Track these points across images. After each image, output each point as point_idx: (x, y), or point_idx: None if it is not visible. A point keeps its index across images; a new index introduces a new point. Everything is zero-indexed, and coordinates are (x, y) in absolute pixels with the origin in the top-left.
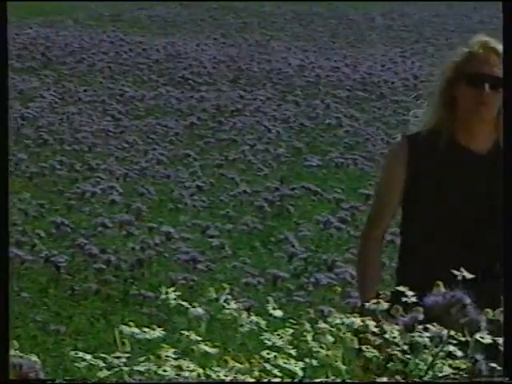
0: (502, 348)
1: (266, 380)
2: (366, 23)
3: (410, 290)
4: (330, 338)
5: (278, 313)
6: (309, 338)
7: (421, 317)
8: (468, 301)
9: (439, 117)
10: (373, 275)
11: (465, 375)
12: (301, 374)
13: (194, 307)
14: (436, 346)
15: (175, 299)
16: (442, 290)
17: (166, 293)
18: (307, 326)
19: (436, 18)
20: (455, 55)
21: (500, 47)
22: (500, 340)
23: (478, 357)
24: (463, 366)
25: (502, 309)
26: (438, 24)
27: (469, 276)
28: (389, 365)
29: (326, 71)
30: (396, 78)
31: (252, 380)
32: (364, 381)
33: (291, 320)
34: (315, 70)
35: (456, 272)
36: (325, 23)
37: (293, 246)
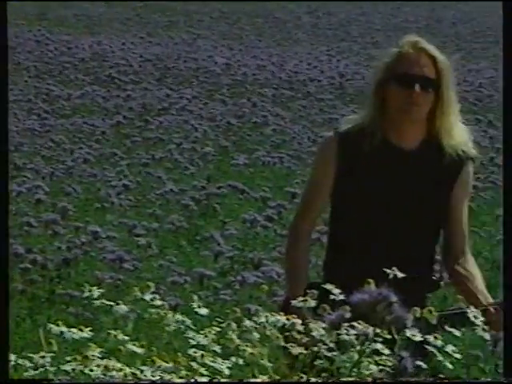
0: (428, 346)
1: (192, 380)
2: (292, 22)
3: (337, 287)
4: (256, 336)
5: (203, 311)
6: (235, 336)
7: (347, 315)
8: (394, 298)
9: (370, 116)
10: (301, 270)
11: (391, 372)
12: (227, 372)
13: (118, 305)
14: (362, 344)
15: (99, 298)
16: (370, 287)
17: (90, 291)
18: (233, 324)
19: (362, 17)
20: (385, 55)
21: (430, 47)
22: (431, 339)
23: (404, 354)
24: (389, 364)
25: (431, 308)
26: (363, 23)
27: (397, 274)
28: (315, 362)
29: (253, 70)
30: (322, 76)
31: (179, 380)
32: (363, 381)
33: (218, 319)
34: (242, 68)
35: (384, 270)
36: (251, 22)
37: (219, 245)
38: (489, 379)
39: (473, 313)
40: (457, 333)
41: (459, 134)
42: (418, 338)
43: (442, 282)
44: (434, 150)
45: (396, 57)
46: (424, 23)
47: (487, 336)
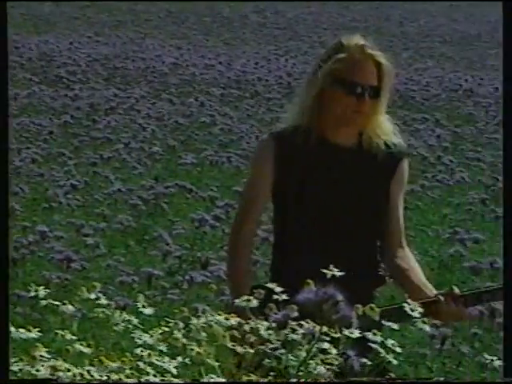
0: (373, 344)
1: (143, 380)
2: (239, 21)
3: (284, 286)
4: (203, 336)
5: (148, 311)
6: (181, 336)
7: (294, 314)
8: (340, 297)
9: (307, 115)
10: (244, 271)
11: (337, 370)
12: (175, 372)
13: (65, 305)
14: (309, 343)
15: (45, 298)
16: (312, 288)
17: (36, 291)
18: (180, 324)
19: (309, 16)
20: (332, 60)
21: (376, 53)
22: (370, 335)
23: (350, 353)
24: (336, 362)
25: (373, 305)
26: (311, 22)
27: (341, 273)
28: (263, 362)
29: (201, 69)
30: (270, 75)
31: (131, 380)
32: (364, 381)
33: (166, 318)
34: (189, 68)
35: (329, 269)
36: (199, 21)
37: (167, 245)
38: (488, 379)
39: (410, 306)
40: (395, 326)
41: (389, 131)
42: (356, 334)
43: (387, 277)
44: (369, 148)
45: (343, 62)
46: (371, 22)
47: (427, 328)
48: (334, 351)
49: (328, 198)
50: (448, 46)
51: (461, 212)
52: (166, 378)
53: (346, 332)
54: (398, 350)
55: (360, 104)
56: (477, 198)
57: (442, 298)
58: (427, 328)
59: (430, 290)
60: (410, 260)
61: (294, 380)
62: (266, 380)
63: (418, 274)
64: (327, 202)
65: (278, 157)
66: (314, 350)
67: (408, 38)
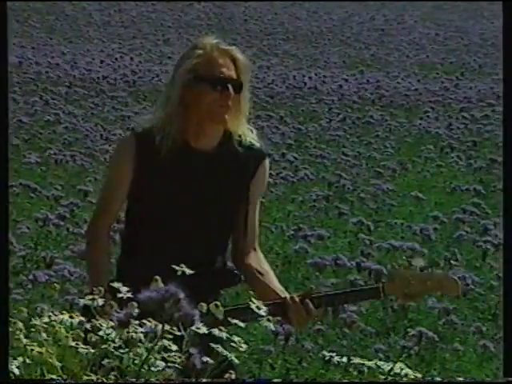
0: (215, 343)
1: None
2: (83, 19)
3: (131, 282)
4: (44, 336)
5: None
6: (22, 336)
7: (134, 312)
8: (182, 295)
9: (168, 116)
10: (100, 271)
11: (179, 368)
12: (17, 372)
13: None
14: (151, 341)
15: None
16: (160, 285)
17: None
18: (19, 323)
19: (153, 14)
20: (187, 56)
21: (231, 48)
22: (215, 332)
23: (192, 350)
24: (178, 360)
25: (217, 302)
26: (155, 20)
27: (187, 271)
28: (104, 361)
29: (45, 67)
30: (115, 74)
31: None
32: (366, 381)
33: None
34: (33, 66)
35: (174, 267)
36: (42, 19)
37: (11, 244)
38: (489, 379)
39: (255, 304)
40: (241, 324)
41: (249, 132)
42: (203, 329)
43: (242, 276)
44: (230, 150)
45: (201, 59)
46: (215, 20)
47: (272, 327)
48: (175, 348)
49: (182, 200)
50: (291, 43)
51: (305, 209)
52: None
53: (190, 329)
54: (244, 347)
55: (225, 98)
56: (320, 194)
57: (291, 301)
58: (272, 326)
59: (282, 292)
60: (262, 262)
61: (134, 379)
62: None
63: (270, 275)
64: (180, 204)
65: (137, 156)
66: (155, 348)
67: (252, 36)
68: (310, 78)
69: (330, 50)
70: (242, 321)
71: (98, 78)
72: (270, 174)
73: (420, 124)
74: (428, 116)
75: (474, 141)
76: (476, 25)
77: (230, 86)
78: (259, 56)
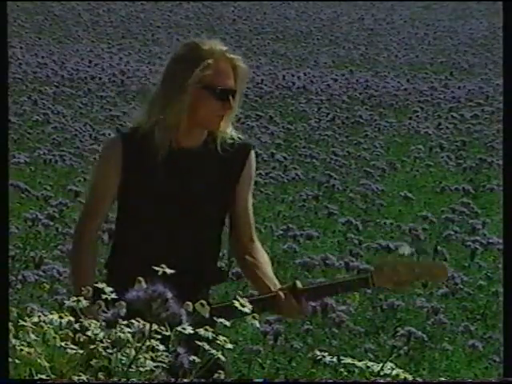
0: (201, 341)
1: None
2: (72, 19)
3: (120, 281)
4: (33, 336)
5: None
6: (10, 336)
7: (122, 311)
8: (169, 295)
9: (171, 120)
10: (86, 272)
11: (167, 367)
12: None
13: None
14: (139, 341)
15: None
16: (143, 285)
17: None
18: (9, 324)
19: (142, 14)
20: (196, 65)
21: (237, 58)
22: (201, 331)
23: (180, 350)
24: (166, 360)
25: (203, 301)
26: (144, 20)
27: (168, 271)
28: (92, 362)
29: (33, 67)
30: (103, 73)
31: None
32: (363, 381)
33: None
34: (22, 66)
35: (160, 267)
36: (30, 19)
37: None
38: (488, 379)
39: (239, 302)
40: (227, 323)
41: (230, 127)
42: (189, 330)
43: (229, 272)
44: (215, 146)
45: (211, 70)
46: (205, 20)
47: (257, 324)
48: (162, 348)
49: (172, 199)
50: (280, 43)
51: (294, 209)
52: None
53: (177, 329)
54: (229, 346)
55: (224, 108)
56: (310, 194)
57: (281, 294)
58: (257, 324)
59: (275, 285)
60: (258, 253)
61: (123, 379)
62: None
63: (264, 267)
64: (170, 203)
65: (125, 156)
66: (143, 348)
67: (240, 36)
68: (299, 77)
69: (319, 49)
70: (227, 319)
71: (87, 77)
72: (260, 173)
73: (409, 124)
74: (417, 116)
75: (463, 140)
76: (465, 25)
77: (231, 98)
78: (248, 56)
